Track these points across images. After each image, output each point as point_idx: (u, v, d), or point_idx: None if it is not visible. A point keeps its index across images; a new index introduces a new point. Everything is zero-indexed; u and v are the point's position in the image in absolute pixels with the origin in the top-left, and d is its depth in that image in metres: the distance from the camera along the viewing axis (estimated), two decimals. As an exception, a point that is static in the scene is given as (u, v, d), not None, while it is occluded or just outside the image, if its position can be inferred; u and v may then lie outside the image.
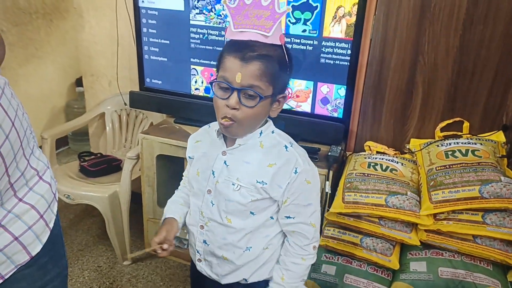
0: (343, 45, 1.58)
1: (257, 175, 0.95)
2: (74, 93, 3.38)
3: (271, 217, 1.01)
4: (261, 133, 0.96)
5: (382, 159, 1.52)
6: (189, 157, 1.09)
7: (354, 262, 1.43)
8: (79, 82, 3.15)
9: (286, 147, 0.97)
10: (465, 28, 1.40)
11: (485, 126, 1.47)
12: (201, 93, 1.89)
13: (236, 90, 0.86)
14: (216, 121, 0.95)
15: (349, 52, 1.58)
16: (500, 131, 1.45)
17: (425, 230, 1.31)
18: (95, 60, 2.42)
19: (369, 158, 1.55)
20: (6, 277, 0.81)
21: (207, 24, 1.76)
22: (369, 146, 1.64)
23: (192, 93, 1.90)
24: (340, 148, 1.60)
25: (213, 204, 1.00)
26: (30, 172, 0.85)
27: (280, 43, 0.88)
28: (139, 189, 2.08)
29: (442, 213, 1.28)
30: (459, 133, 1.48)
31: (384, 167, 1.47)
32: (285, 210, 0.98)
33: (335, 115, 1.69)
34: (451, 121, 1.51)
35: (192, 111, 1.86)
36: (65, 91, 3.35)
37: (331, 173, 1.49)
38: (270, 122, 0.99)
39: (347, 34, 1.56)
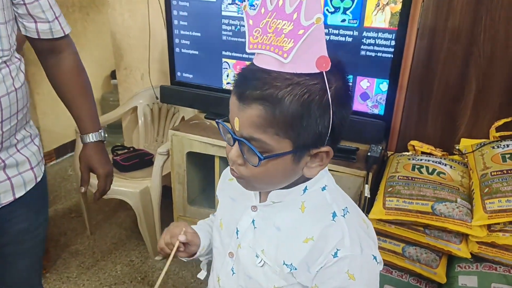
0: (386, 35, 1.45)
1: (285, 252, 0.68)
2: (110, 86, 3.41)
3: None
4: (305, 189, 0.68)
5: (428, 160, 1.39)
6: (217, 196, 0.87)
7: (395, 272, 1.32)
8: (114, 75, 3.16)
9: (334, 214, 0.66)
10: (527, 15, 1.25)
11: (549, 126, 1.31)
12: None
13: (236, 140, 0.62)
14: None
15: (393, 43, 1.44)
16: None
17: (477, 242, 1.18)
18: (128, 53, 2.40)
19: (413, 159, 1.42)
20: None
21: (240, 15, 1.68)
22: (413, 146, 1.51)
23: (224, 87, 1.83)
24: (380, 148, 1.48)
25: (233, 273, 0.76)
26: (27, 133, 1.01)
27: (316, 71, 0.56)
28: (170, 183, 2.05)
29: (498, 223, 1.14)
30: (518, 133, 1.33)
31: (430, 170, 1.35)
32: None
33: (376, 111, 1.56)
34: (509, 119, 1.35)
35: (223, 106, 1.78)
36: (100, 84, 3.39)
37: (370, 175, 1.38)
38: (324, 174, 0.70)
39: (391, 24, 1.42)
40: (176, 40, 1.87)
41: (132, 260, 2.16)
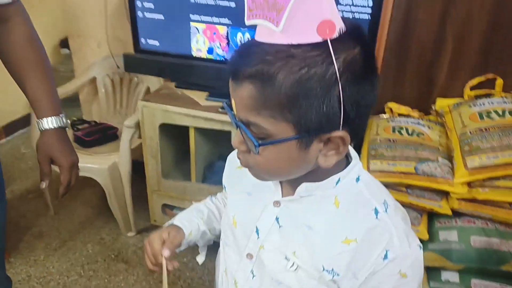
0: (364, -5, 1.42)
1: (324, 256, 0.60)
2: (59, 56, 3.16)
3: None
4: (338, 181, 0.60)
5: (407, 122, 1.42)
6: (224, 186, 0.77)
7: (378, 232, 1.36)
8: (64, 44, 2.92)
9: (376, 211, 0.59)
10: (503, -26, 1.26)
11: (521, 84, 1.36)
12: (203, 54, 1.72)
13: (237, 124, 0.55)
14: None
15: (370, 4, 1.42)
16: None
17: (457, 198, 1.23)
18: (81, 19, 2.21)
19: (392, 121, 1.44)
20: None
21: (209, -25, 1.57)
22: (391, 108, 1.52)
23: (194, 54, 1.73)
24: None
25: (253, 276, 0.68)
26: None
27: (319, 39, 0.46)
28: (139, 157, 1.96)
29: (477, 180, 1.19)
30: (492, 92, 1.37)
31: (410, 131, 1.37)
32: None
33: (353, 74, 1.55)
34: (483, 78, 1.39)
35: (194, 75, 1.70)
36: (48, 54, 3.12)
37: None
38: (357, 161, 0.62)
39: (368, -17, 1.39)
40: (138, 3, 1.73)
41: (103, 238, 2.08)
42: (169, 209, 1.93)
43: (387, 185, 1.26)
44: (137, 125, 1.82)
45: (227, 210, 0.74)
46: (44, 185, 0.98)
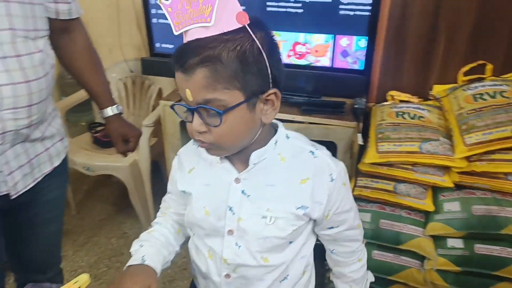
0: (363, -6, 1.56)
1: (293, 199, 0.77)
2: (66, 63, 3.25)
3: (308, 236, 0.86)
4: (276, 142, 0.77)
5: (408, 107, 1.56)
6: (184, 192, 0.85)
7: (388, 207, 1.49)
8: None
9: (312, 152, 0.79)
10: (489, -31, 1.40)
11: (508, 67, 1.50)
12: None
13: (194, 110, 0.67)
14: None
15: (370, 1, 1.56)
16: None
17: (458, 172, 1.37)
18: (93, 28, 2.31)
19: (395, 107, 1.58)
20: (38, 180, 1.01)
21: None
22: (392, 96, 1.67)
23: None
24: (364, 100, 1.62)
25: (239, 247, 0.80)
26: (53, 107, 1.06)
27: (240, 25, 0.63)
28: (155, 157, 2.08)
29: (475, 154, 1.33)
30: (483, 76, 1.52)
31: (412, 115, 1.51)
32: (327, 223, 0.83)
33: (356, 67, 1.69)
34: (474, 64, 1.54)
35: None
36: (56, 61, 3.22)
37: (360, 125, 1.52)
38: (281, 126, 0.80)
39: (367, -17, 1.53)
40: (153, 11, 1.85)
41: (126, 232, 2.19)
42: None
43: (394, 164, 1.41)
44: (155, 124, 1.95)
45: (194, 209, 0.83)
46: (126, 156, 1.33)
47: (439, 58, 1.58)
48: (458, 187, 1.40)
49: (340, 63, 1.70)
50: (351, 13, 1.60)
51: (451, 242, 1.39)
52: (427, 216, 1.45)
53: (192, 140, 0.85)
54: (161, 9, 1.84)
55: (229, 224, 0.79)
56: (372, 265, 1.00)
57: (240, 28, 0.63)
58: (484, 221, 1.32)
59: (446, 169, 1.39)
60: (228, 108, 0.65)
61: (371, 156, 1.42)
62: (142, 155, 2.02)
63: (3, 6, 0.81)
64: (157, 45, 1.92)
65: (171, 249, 0.90)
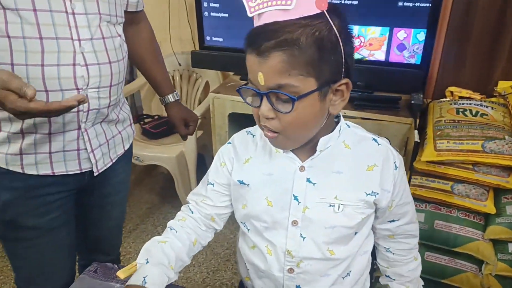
0: (424, -15, 1.49)
1: (361, 185, 0.75)
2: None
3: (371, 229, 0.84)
4: (340, 130, 0.75)
5: (470, 104, 1.48)
6: (241, 183, 0.81)
7: (444, 208, 1.43)
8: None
9: (375, 140, 0.78)
10: None
11: None
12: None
13: (264, 95, 0.65)
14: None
15: (430, -7, 1.49)
16: None
17: (525, 174, 1.29)
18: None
19: (454, 104, 1.50)
20: (113, 161, 1.06)
21: (273, -27, 1.68)
22: (452, 92, 1.59)
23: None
24: (421, 96, 1.55)
25: (304, 238, 0.77)
26: (123, 95, 1.09)
27: (318, 11, 0.61)
28: (200, 149, 2.10)
29: (544, 155, 1.25)
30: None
31: (474, 113, 1.43)
32: (389, 215, 0.81)
33: (412, 61, 1.63)
34: (544, 60, 1.44)
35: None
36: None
37: (417, 121, 1.46)
38: (341, 116, 0.78)
39: (429, -27, 1.47)
40: (205, 4, 1.86)
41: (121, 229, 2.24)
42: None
43: (453, 163, 1.34)
44: (205, 116, 1.96)
45: (255, 201, 0.79)
46: (187, 138, 1.40)
47: (506, 53, 1.49)
48: (524, 189, 1.32)
49: (396, 57, 1.65)
50: (410, 4, 1.54)
51: (513, 247, 1.31)
52: (486, 218, 1.38)
53: (245, 130, 0.86)
54: (213, 1, 1.85)
55: (293, 214, 0.76)
56: (424, 267, 0.95)
57: (318, 13, 0.61)
58: (552, 226, 1.23)
59: (511, 169, 1.32)
60: (301, 95, 0.63)
61: (428, 153, 1.36)
62: (188, 146, 2.04)
63: None
64: (207, 38, 1.93)
65: (179, 264, 0.82)
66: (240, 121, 1.88)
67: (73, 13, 0.84)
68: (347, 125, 0.78)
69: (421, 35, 1.57)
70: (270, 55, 0.61)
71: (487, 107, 1.45)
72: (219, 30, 1.90)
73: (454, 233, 1.37)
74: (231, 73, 2.08)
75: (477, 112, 1.43)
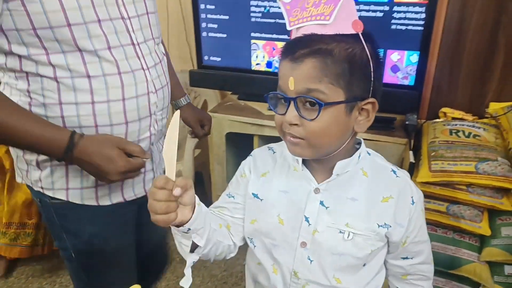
0: (417, 9, 1.52)
1: (375, 216, 0.74)
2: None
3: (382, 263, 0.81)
4: (359, 156, 0.75)
5: (463, 125, 1.49)
6: (255, 196, 0.80)
7: (440, 229, 1.43)
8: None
9: (394, 172, 0.77)
10: (555, -17, 1.34)
11: None
12: (262, 68, 1.86)
13: (292, 100, 0.66)
14: (282, 141, 0.75)
15: (423, 16, 1.52)
16: None
17: (518, 195, 1.29)
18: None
19: (448, 125, 1.52)
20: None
21: (269, -4, 1.72)
22: (445, 113, 1.61)
23: (253, 68, 1.88)
24: (415, 116, 1.57)
25: (311, 261, 0.76)
26: None
27: (354, 32, 0.65)
28: (197, 167, 2.11)
29: (537, 177, 1.26)
30: (545, 94, 1.44)
31: (466, 134, 1.45)
32: (403, 251, 0.79)
33: (406, 82, 1.65)
34: (536, 82, 1.46)
35: (255, 87, 1.85)
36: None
37: (412, 142, 1.47)
38: (362, 141, 0.78)
39: (421, -3, 1.50)
40: (203, 24, 1.89)
41: (167, 242, 2.22)
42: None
43: (448, 184, 1.35)
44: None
45: (267, 216, 0.78)
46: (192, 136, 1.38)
47: (497, 75, 1.52)
48: (518, 211, 1.32)
49: (390, 78, 1.67)
50: (403, 27, 1.57)
51: (509, 269, 1.31)
52: (482, 240, 1.38)
53: (267, 146, 0.85)
54: (211, 22, 1.87)
55: (303, 235, 0.75)
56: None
57: (353, 34, 0.65)
58: (547, 248, 1.23)
59: (504, 191, 1.32)
60: (328, 102, 0.65)
61: (423, 174, 1.37)
62: (186, 165, 2.05)
63: (146, 18, 0.91)
64: (205, 57, 1.96)
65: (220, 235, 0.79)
66: (238, 141, 1.89)
67: (138, 44, 0.89)
68: (368, 153, 0.78)
69: (414, 57, 1.59)
70: (304, 61, 0.64)
71: (479, 128, 1.47)
72: (217, 50, 1.93)
73: (450, 254, 1.37)
74: (229, 93, 2.10)
75: (470, 133, 1.44)
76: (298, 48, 0.65)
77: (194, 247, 0.71)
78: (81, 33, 0.80)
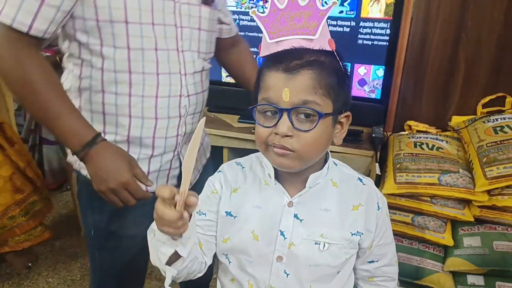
0: (382, 25, 1.57)
1: (348, 225, 0.76)
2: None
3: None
4: (328, 167, 0.77)
5: (426, 138, 1.53)
6: (228, 214, 0.79)
7: (405, 240, 1.45)
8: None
9: (360, 180, 0.80)
10: (509, 2, 1.40)
11: (529, 101, 1.49)
12: (232, 80, 1.86)
13: (286, 111, 0.66)
14: (247, 155, 0.78)
15: (388, 32, 1.57)
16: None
17: (479, 206, 1.33)
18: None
19: (413, 137, 1.56)
20: (200, 171, 1.17)
21: (238, 9, 1.73)
22: (409, 126, 1.65)
23: (224, 80, 1.88)
24: (382, 129, 1.60)
25: (287, 275, 0.76)
26: None
27: (330, 49, 0.68)
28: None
29: (496, 188, 1.30)
30: (503, 108, 1.50)
31: (430, 146, 1.49)
32: (369, 255, 0.81)
33: (373, 96, 1.69)
34: (494, 96, 1.52)
35: (225, 99, 1.84)
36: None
37: (378, 154, 1.50)
38: (329, 154, 0.79)
39: (386, 14, 1.55)
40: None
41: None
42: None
43: (413, 196, 1.38)
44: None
45: (240, 230, 0.77)
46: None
47: (458, 89, 1.57)
48: (479, 221, 1.37)
49: (357, 91, 1.70)
50: (369, 42, 1.61)
51: (471, 279, 1.34)
52: (446, 250, 1.41)
53: (234, 161, 0.85)
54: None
55: (279, 249, 0.75)
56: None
57: (329, 51, 0.68)
58: (506, 257, 1.27)
59: (466, 202, 1.36)
60: (323, 113, 0.66)
61: (389, 186, 1.40)
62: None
63: (197, 33, 0.99)
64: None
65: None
66: (218, 154, 1.87)
67: (182, 51, 0.96)
68: (334, 163, 0.81)
69: (380, 71, 1.63)
70: (300, 72, 0.66)
71: (442, 140, 1.51)
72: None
73: (415, 265, 1.39)
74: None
75: (433, 146, 1.48)
76: (292, 59, 0.66)
77: (170, 261, 0.69)
78: (135, 31, 0.89)
